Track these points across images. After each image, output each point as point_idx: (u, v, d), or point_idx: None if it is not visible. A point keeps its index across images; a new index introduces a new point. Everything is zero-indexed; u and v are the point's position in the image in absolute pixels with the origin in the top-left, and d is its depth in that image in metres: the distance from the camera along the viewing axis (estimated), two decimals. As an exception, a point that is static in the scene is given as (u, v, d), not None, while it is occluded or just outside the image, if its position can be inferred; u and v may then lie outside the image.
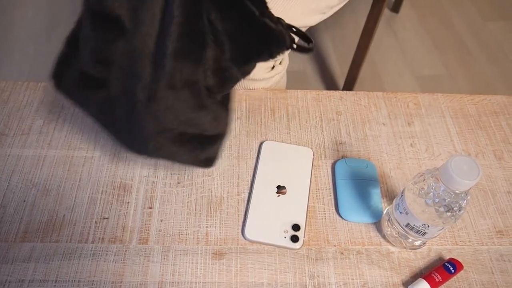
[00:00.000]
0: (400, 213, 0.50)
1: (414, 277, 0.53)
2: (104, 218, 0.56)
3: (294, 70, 1.42)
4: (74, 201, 0.57)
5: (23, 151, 0.62)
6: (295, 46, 0.48)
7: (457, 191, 0.44)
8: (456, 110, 0.70)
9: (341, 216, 0.57)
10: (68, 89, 0.50)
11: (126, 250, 0.54)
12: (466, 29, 1.59)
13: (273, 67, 0.72)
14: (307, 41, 0.52)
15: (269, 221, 0.56)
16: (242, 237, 0.55)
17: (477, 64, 1.49)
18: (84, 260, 0.53)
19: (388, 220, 0.54)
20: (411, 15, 1.58)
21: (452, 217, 0.46)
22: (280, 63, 0.73)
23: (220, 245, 0.55)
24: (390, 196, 0.60)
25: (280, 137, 0.65)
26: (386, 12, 1.64)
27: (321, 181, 0.61)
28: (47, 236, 0.54)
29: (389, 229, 0.54)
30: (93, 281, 0.51)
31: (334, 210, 0.58)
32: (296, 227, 0.55)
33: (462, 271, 0.54)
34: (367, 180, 0.60)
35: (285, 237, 0.54)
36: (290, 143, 0.64)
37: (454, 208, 0.45)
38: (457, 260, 0.53)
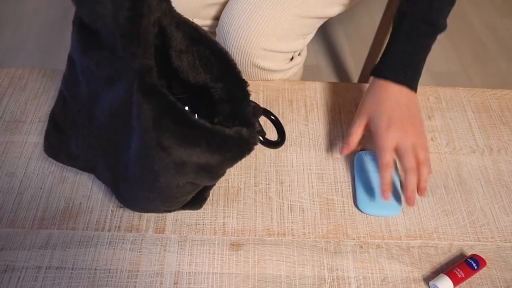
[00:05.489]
0: None
1: (435, 273, 0.52)
2: (121, 207, 0.55)
3: (307, 64, 1.40)
4: (91, 189, 0.57)
5: (40, 138, 0.61)
6: (261, 139, 0.50)
7: None
8: (478, 105, 0.69)
9: (358, 209, 0.56)
10: (60, 159, 0.56)
11: (142, 239, 0.53)
12: (482, 25, 1.56)
13: (292, 58, 0.71)
14: (280, 131, 0.54)
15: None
16: (260, 228, 0.54)
17: (493, 61, 1.47)
18: (101, 248, 0.52)
19: None
20: (427, 10, 1.55)
21: None
22: (299, 54, 0.72)
23: (237, 236, 0.54)
24: (410, 190, 0.59)
25: (298, 129, 0.64)
26: (401, 7, 1.60)
27: (339, 173, 0.60)
28: (63, 223, 0.54)
29: None
30: (110, 269, 0.51)
31: (352, 203, 0.57)
32: None
33: (484, 268, 0.52)
34: None
35: None
36: (309, 135, 0.63)
37: None
38: (480, 256, 0.52)
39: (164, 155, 0.40)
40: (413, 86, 0.56)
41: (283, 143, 0.54)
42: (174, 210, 0.54)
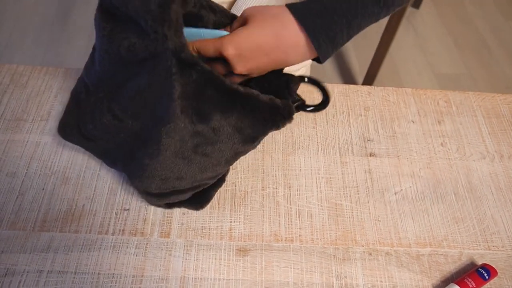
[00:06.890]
0: None
1: (445, 282, 0.51)
2: (125, 210, 0.54)
3: (311, 64, 1.39)
4: (94, 190, 0.56)
5: (42, 137, 0.60)
6: (302, 107, 0.48)
7: None
8: (488, 110, 0.68)
9: None
10: (72, 139, 0.55)
11: (147, 243, 0.52)
12: (487, 28, 1.55)
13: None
14: (323, 92, 0.49)
15: None
16: (268, 234, 0.53)
17: (498, 65, 1.46)
18: (104, 252, 0.51)
19: None
20: (432, 11, 1.54)
21: None
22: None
23: (244, 241, 0.53)
24: (419, 196, 0.58)
25: (306, 132, 0.63)
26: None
27: (348, 178, 0.59)
28: (66, 226, 0.53)
29: None
30: (114, 274, 0.49)
31: (361, 209, 0.56)
32: None
33: (495, 278, 0.51)
34: None
35: None
36: (317, 138, 0.62)
37: None
38: (491, 266, 0.51)
39: (204, 123, 0.42)
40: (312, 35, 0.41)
41: (328, 102, 0.49)
42: (183, 196, 0.52)
